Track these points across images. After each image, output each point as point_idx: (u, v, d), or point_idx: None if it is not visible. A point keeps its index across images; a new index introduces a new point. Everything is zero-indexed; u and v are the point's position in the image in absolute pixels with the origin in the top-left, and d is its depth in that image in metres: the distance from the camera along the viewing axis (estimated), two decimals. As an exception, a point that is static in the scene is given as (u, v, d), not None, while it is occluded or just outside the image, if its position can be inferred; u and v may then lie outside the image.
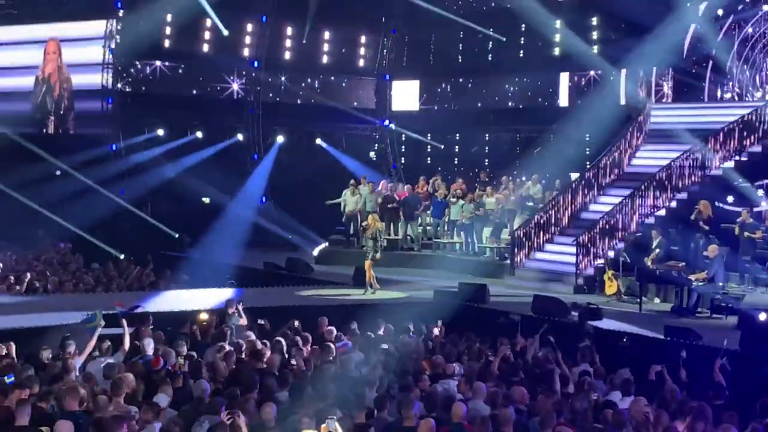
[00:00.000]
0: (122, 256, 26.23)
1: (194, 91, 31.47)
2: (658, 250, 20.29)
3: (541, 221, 23.60)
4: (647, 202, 23.14)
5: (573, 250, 21.92)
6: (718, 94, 28.95)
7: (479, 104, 33.99)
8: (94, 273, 23.58)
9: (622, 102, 27.81)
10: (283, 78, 34.62)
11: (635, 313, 18.69)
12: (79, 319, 14.97)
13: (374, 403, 10.38)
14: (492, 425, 9.56)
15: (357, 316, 16.27)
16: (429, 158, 35.49)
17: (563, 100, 31.72)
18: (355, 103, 35.71)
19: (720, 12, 27.83)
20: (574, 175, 26.24)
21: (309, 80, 35.22)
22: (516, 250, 23.24)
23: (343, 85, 34.83)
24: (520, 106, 33.46)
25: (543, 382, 12.03)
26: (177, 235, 28.70)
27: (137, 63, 31.74)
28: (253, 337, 14.19)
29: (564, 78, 31.63)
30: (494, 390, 11.27)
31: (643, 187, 23.11)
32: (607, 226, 22.45)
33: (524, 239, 23.35)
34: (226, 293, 18.91)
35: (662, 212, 23.29)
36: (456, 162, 34.56)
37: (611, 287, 20.76)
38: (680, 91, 28.29)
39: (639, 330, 16.64)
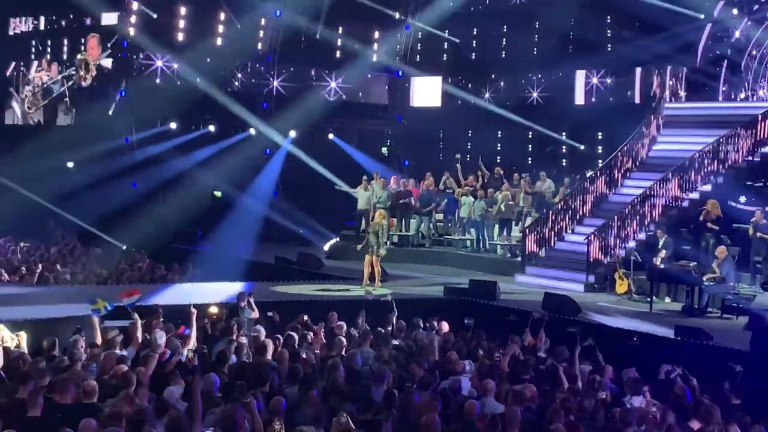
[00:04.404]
0: (124, 247, 26.28)
1: (207, 85, 31.46)
2: (664, 251, 20.17)
3: (553, 219, 23.56)
4: (659, 201, 23.03)
5: (584, 248, 21.87)
6: (732, 93, 28.80)
7: (492, 101, 33.80)
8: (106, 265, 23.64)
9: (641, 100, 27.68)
10: (296, 73, 34.59)
11: (645, 313, 18.66)
12: (89, 311, 15.09)
13: (384, 399, 10.37)
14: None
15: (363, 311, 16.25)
16: (441, 155, 35.37)
17: (578, 98, 31.50)
18: (369, 99, 35.66)
19: (735, 11, 27.73)
20: (588, 173, 26.16)
21: (322, 75, 35.17)
22: (527, 247, 23.22)
23: (357, 80, 34.74)
24: (534, 104, 33.32)
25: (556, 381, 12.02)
26: (188, 229, 28.74)
27: (150, 55, 31.77)
28: (262, 330, 14.19)
29: (579, 76, 31.42)
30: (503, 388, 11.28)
31: (654, 187, 23.02)
32: (618, 226, 22.37)
33: (536, 237, 23.31)
34: (237, 287, 18.91)
35: (673, 212, 23.20)
36: (468, 159, 34.41)
37: (622, 286, 20.71)
38: (693, 90, 28.14)
39: (649, 329, 16.62)
